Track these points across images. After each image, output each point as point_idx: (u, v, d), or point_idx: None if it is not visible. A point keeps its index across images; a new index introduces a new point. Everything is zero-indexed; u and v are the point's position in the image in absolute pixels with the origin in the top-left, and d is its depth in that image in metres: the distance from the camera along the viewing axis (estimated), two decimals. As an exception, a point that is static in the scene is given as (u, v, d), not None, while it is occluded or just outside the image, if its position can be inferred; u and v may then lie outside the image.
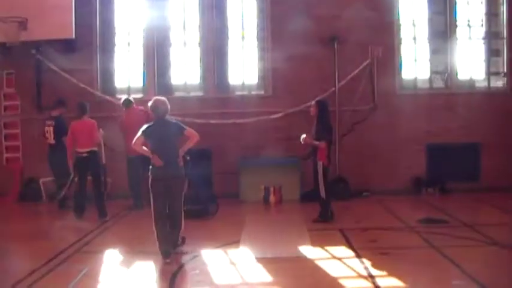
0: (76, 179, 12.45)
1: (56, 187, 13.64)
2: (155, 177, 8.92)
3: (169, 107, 9.18)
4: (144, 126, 9.10)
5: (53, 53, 14.90)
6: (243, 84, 15.63)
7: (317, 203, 11.74)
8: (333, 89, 14.58)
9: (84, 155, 12.23)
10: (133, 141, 9.01)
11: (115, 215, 12.77)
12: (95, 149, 12.47)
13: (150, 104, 9.19)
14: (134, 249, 9.85)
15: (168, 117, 9.20)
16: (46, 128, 13.55)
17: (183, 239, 9.46)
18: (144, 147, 9.02)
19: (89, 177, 12.46)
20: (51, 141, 13.47)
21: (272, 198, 14.26)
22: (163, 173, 8.85)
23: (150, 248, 9.12)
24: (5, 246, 10.09)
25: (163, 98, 9.27)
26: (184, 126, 9.15)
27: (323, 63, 14.83)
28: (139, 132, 9.00)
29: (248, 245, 9.78)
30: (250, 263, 8.82)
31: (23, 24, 14.23)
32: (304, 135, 11.51)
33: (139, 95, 15.10)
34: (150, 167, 8.99)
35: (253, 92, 15.59)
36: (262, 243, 10.00)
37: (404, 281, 7.57)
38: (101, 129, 12.58)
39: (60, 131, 13.14)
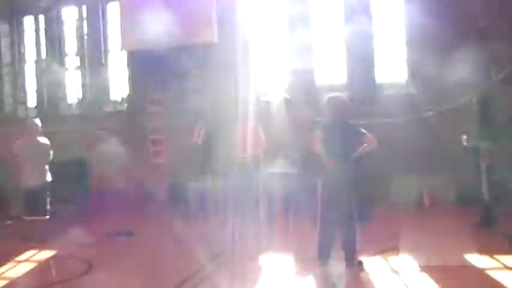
0: None
1: None
2: (327, 179, 8.53)
3: (350, 106, 8.80)
4: (321, 124, 8.83)
5: (196, 58, 15.10)
6: (391, 83, 15.15)
7: (477, 206, 11.03)
8: (488, 84, 13.70)
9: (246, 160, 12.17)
10: (314, 138, 8.66)
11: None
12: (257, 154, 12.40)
13: (327, 100, 8.73)
14: (292, 255, 9.78)
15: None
16: (197, 129, 13.43)
17: (361, 263, 8.56)
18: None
19: None
20: (200, 142, 13.37)
21: (427, 200, 13.64)
22: (335, 176, 8.41)
23: (310, 254, 8.86)
24: (163, 249, 10.42)
25: (344, 96, 8.91)
26: (364, 131, 8.61)
27: (475, 57, 14.00)
28: (318, 130, 8.69)
29: (408, 252, 9.30)
30: (414, 271, 8.34)
31: (167, 31, 14.42)
32: (464, 136, 10.90)
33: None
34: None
35: (402, 91, 14.99)
36: (423, 249, 9.44)
37: None
38: None
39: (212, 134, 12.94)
